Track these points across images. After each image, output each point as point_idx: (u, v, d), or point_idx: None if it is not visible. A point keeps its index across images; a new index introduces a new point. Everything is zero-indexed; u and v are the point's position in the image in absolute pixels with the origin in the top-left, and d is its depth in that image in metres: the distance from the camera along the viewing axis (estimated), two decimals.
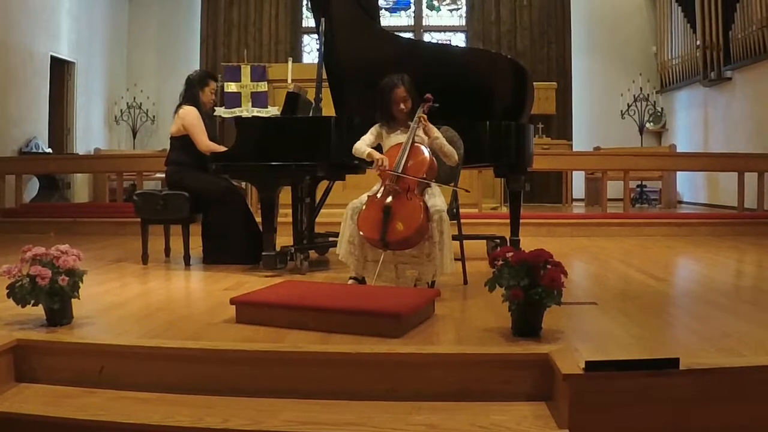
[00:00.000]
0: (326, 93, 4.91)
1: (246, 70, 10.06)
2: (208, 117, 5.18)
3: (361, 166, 4.58)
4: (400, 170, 3.75)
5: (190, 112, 4.90)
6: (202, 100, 5.02)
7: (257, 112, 9.70)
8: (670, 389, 2.22)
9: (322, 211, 5.35)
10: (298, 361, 2.52)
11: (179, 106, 4.97)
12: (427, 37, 11.84)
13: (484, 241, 5.27)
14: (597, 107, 11.03)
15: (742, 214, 7.58)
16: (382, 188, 3.80)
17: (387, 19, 11.71)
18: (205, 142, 4.86)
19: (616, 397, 2.22)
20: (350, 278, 3.82)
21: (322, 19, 4.89)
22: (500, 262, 2.78)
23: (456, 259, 3.81)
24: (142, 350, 2.61)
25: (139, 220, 4.97)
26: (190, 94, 5.00)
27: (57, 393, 2.52)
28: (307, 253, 4.68)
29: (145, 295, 3.87)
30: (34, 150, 8.99)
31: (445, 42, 11.62)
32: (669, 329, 3.16)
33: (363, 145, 3.98)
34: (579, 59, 11.22)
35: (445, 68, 4.77)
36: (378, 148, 4.02)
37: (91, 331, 2.90)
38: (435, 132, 3.92)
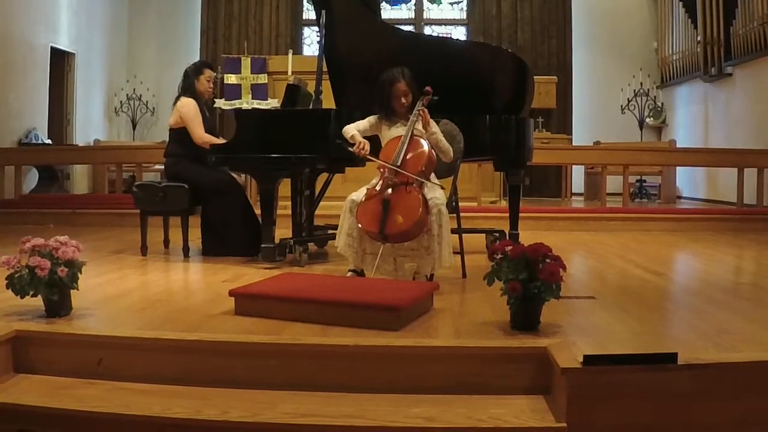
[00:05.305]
0: (326, 85, 4.90)
1: (246, 62, 10.04)
2: (208, 109, 5.18)
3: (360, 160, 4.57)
4: (399, 163, 3.75)
5: (187, 104, 4.89)
6: (198, 89, 5.00)
7: (257, 104, 9.68)
8: (667, 384, 2.23)
9: (321, 203, 5.36)
10: (297, 353, 2.52)
11: (178, 98, 4.96)
12: (427, 31, 11.79)
13: (483, 234, 5.27)
14: (597, 102, 11.01)
15: (742, 210, 7.58)
16: (382, 181, 3.79)
17: (387, 12, 11.68)
18: (200, 134, 4.84)
19: (613, 391, 2.22)
20: (349, 271, 3.82)
21: (323, 12, 4.88)
22: (499, 256, 2.78)
23: (455, 253, 3.81)
24: (141, 342, 2.61)
25: (138, 211, 4.97)
26: (187, 85, 4.99)
27: (55, 384, 2.52)
28: (306, 245, 4.68)
29: (144, 286, 3.86)
30: (33, 141, 8.97)
31: (445, 35, 11.58)
32: (667, 324, 3.17)
33: (352, 127, 3.98)
34: (579, 54, 11.20)
35: (445, 61, 4.76)
36: (374, 138, 4.01)
37: (90, 323, 2.90)
38: (433, 127, 3.90)
